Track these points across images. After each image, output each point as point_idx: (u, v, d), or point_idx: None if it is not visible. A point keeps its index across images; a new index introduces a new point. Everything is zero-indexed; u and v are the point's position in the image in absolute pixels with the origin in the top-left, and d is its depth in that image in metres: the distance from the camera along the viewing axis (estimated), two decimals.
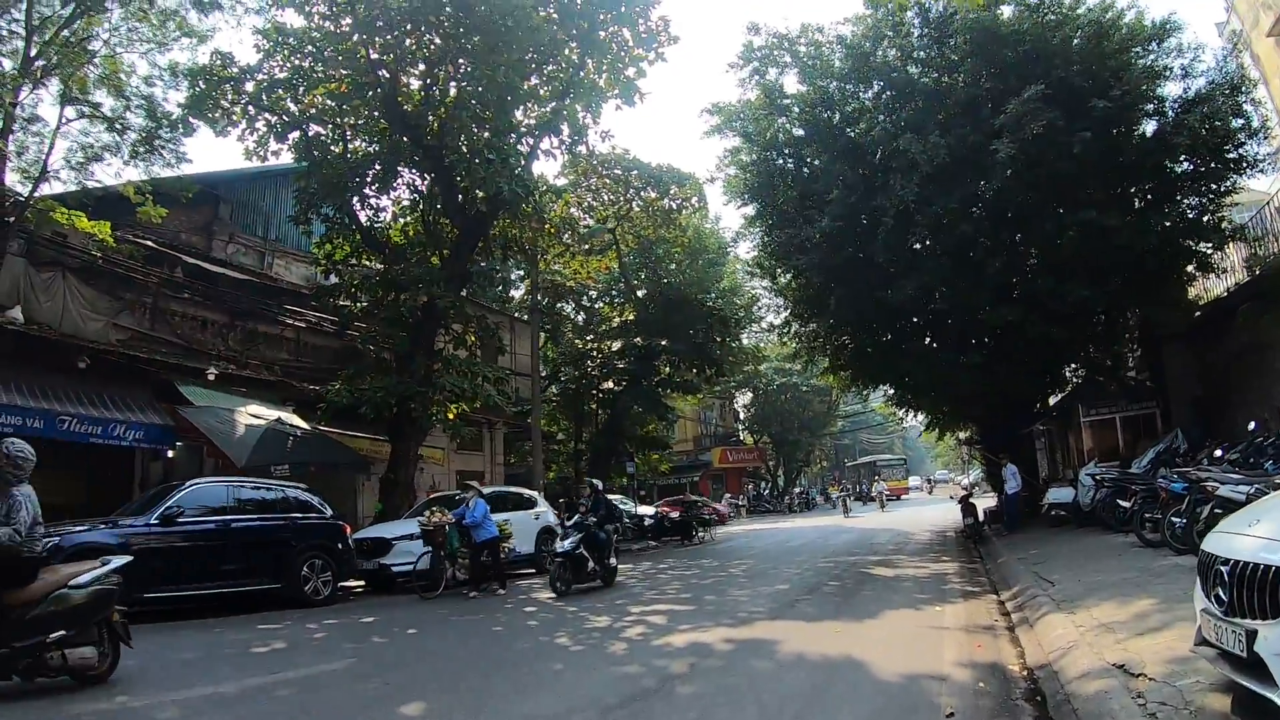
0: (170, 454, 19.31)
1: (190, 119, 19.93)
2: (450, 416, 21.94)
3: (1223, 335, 19.62)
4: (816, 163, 23.07)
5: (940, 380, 22.86)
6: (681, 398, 39.39)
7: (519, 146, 21.36)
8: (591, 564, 14.96)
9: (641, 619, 11.24)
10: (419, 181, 22.87)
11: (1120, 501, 15.43)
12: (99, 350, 17.71)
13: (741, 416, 67.42)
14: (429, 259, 22.26)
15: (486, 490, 20.33)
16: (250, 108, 20.80)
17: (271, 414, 19.98)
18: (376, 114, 21.43)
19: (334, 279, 22.52)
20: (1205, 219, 19.32)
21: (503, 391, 22.82)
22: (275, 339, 24.09)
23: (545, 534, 20.36)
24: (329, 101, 21.46)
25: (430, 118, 21.01)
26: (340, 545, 15.60)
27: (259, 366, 22.39)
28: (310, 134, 21.57)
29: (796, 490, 62.81)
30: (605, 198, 32.78)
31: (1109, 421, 22.76)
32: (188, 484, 13.81)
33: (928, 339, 23.58)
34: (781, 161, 24.34)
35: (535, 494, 22.34)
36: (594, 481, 18.12)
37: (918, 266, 20.47)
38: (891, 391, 29.89)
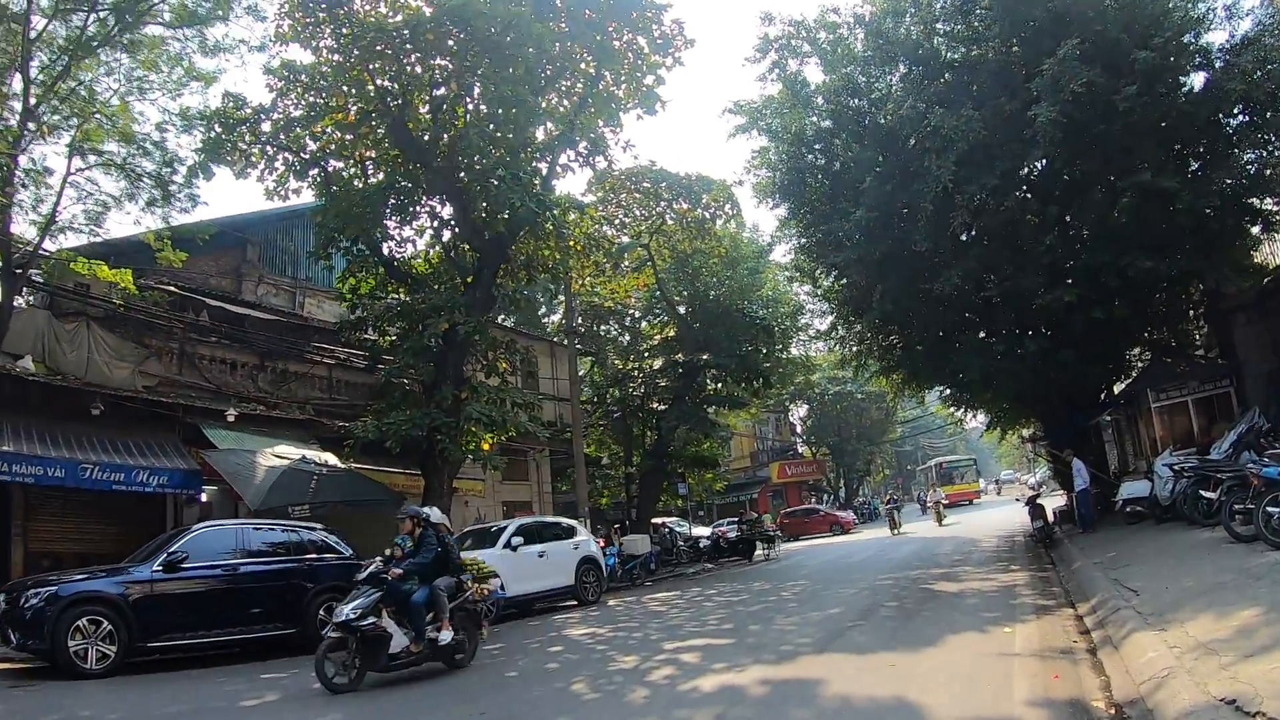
0: (204, 498, 19.13)
1: (209, 164, 19.89)
2: (485, 447, 21.01)
3: None
4: (847, 154, 21.85)
5: (996, 375, 21.44)
6: (730, 414, 38.15)
7: (537, 164, 20.72)
8: (405, 638, 9.86)
9: (674, 657, 10.18)
10: (440, 209, 22.15)
11: (1203, 492, 13.97)
12: (113, 396, 17.39)
13: (798, 429, 65.95)
14: (452, 286, 21.62)
15: (520, 521, 19.67)
16: (269, 148, 20.46)
17: (296, 453, 19.39)
18: (387, 143, 20.88)
19: (360, 313, 21.84)
20: (1269, 172, 17.68)
21: (535, 418, 21.85)
22: (307, 378, 23.65)
23: (586, 564, 19.59)
24: (343, 134, 21.02)
25: (442, 141, 20.31)
26: None
27: (289, 406, 21.95)
28: (330, 169, 21.24)
29: (858, 501, 61.08)
30: (637, 213, 31.83)
31: (1180, 405, 21.13)
32: (194, 529, 13.40)
33: (980, 332, 22.14)
34: (811, 157, 23.20)
35: (575, 523, 21.36)
36: (420, 510, 11.71)
37: (962, 253, 19.27)
38: (947, 392, 28.38)
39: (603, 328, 37.28)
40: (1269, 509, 10.59)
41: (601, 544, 25.12)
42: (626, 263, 32.99)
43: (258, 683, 10.65)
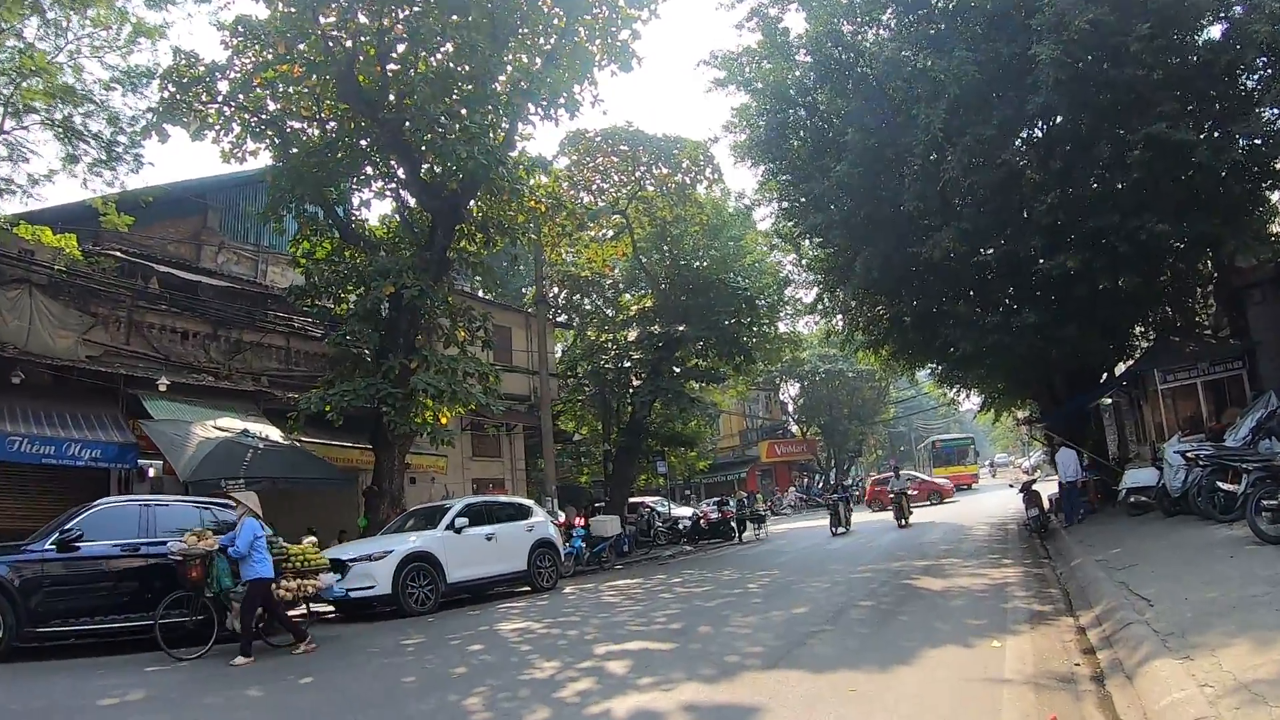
0: (152, 473, 18.30)
1: (164, 124, 18.80)
2: (443, 421, 19.60)
3: None
4: (831, 108, 20.20)
5: (990, 350, 19.70)
6: (713, 390, 36.45)
7: (496, 119, 19.15)
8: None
9: (600, 665, 8.63)
10: (397, 168, 20.62)
11: (1221, 484, 12.46)
12: (44, 365, 17.02)
13: (790, 408, 64.45)
14: (406, 249, 20.36)
15: (468, 500, 18.18)
16: (226, 107, 19.26)
17: (239, 425, 18.37)
18: (334, 96, 19.52)
19: (313, 279, 20.34)
20: None
21: (491, 390, 20.22)
22: (263, 348, 22.39)
23: (541, 548, 18.11)
24: (292, 89, 19.58)
25: (391, 95, 18.87)
26: None
27: (241, 376, 20.83)
28: (288, 130, 19.99)
29: (848, 483, 59.47)
30: (615, 178, 30.26)
31: (1188, 388, 19.62)
32: (94, 505, 12.23)
33: (972, 302, 20.39)
34: (792, 112, 21.47)
35: (531, 503, 19.84)
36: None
37: (954, 215, 17.63)
38: (939, 369, 26.67)
39: (583, 300, 35.67)
40: None
41: (580, 523, 24.35)
42: (605, 231, 31.34)
43: (137, 677, 9.47)
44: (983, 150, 16.44)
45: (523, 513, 18.65)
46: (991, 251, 17.72)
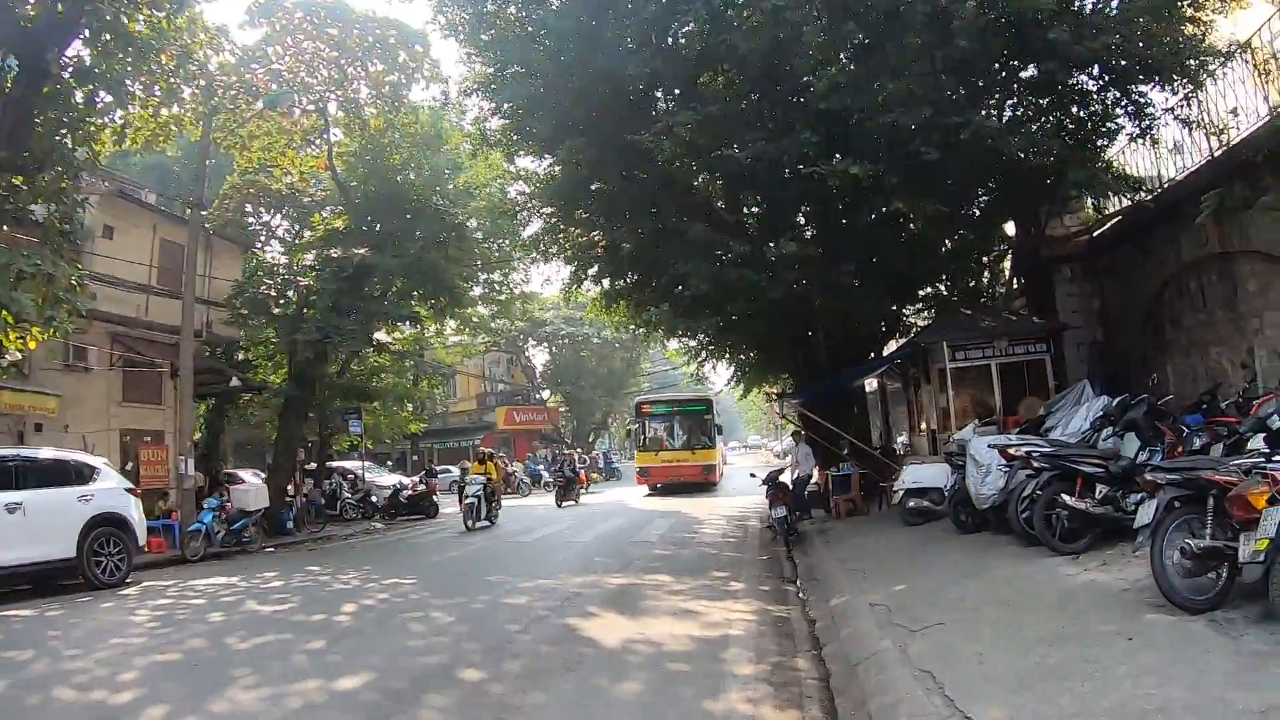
0: None
1: None
2: (32, 345, 13.84)
3: (1149, 256, 13.83)
4: None
5: (733, 290, 14.77)
6: (398, 329, 29.60)
7: None
8: None
9: None
10: None
11: (1066, 498, 7.92)
12: None
13: (539, 373, 59.30)
14: None
15: None
16: None
17: None
18: None
19: None
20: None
21: (66, 300, 13.31)
22: None
23: (102, 526, 13.07)
24: None
25: None
26: None
27: None
28: None
29: (593, 454, 54.99)
30: (324, 73, 23.43)
31: (981, 370, 15.61)
32: None
33: (717, 220, 15.32)
34: None
35: (96, 462, 14.09)
36: None
37: (694, 90, 12.65)
38: (662, 313, 20.63)
39: (276, 217, 28.83)
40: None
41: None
42: (296, 131, 24.49)
43: None
44: None
45: (78, 476, 13.31)
46: (741, 151, 12.54)
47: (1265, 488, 4.98)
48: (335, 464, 29.86)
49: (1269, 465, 5.21)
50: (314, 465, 28.01)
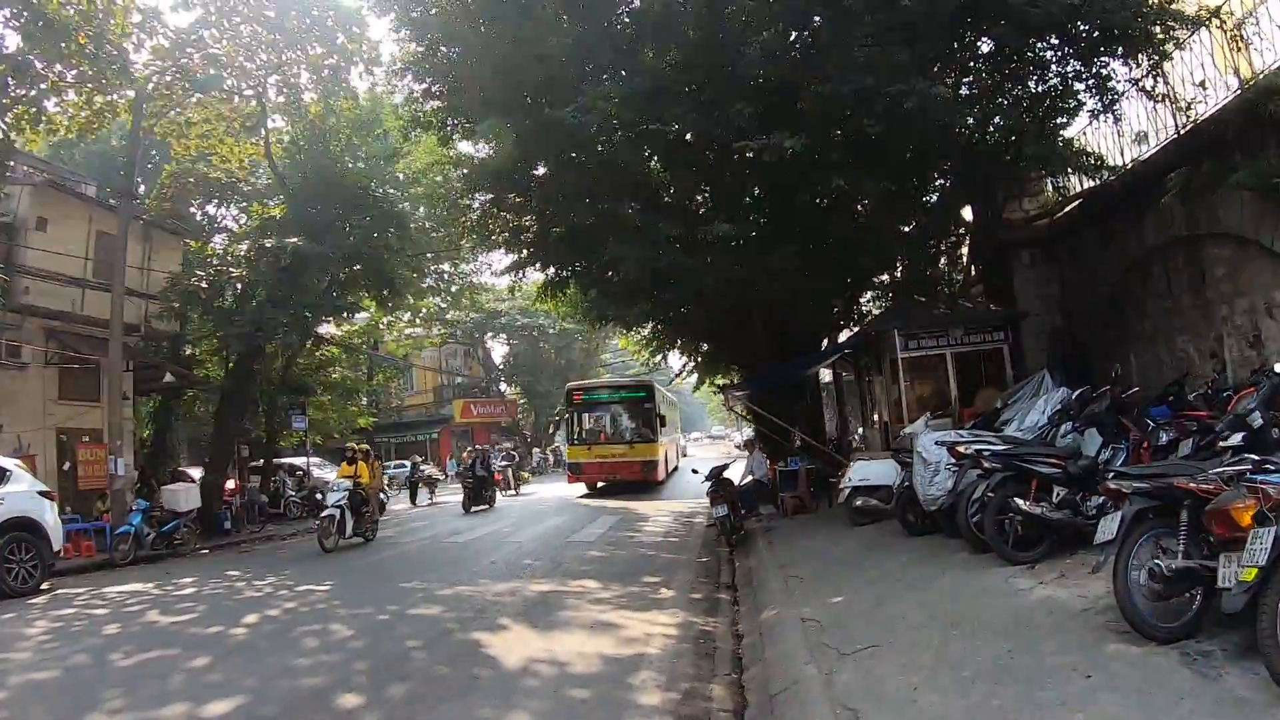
0: None
1: None
2: None
3: (1112, 240, 12.98)
4: None
5: (667, 275, 13.86)
6: (345, 321, 28.56)
7: None
8: None
9: None
10: None
11: (1020, 502, 7.11)
12: None
13: (499, 365, 58.07)
14: None
15: None
16: None
17: None
18: None
19: None
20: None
21: None
22: None
23: (10, 530, 12.32)
24: None
25: None
26: None
27: None
28: None
29: (550, 448, 53.96)
30: (263, 56, 22.12)
31: (935, 359, 14.79)
32: None
33: (650, 201, 14.35)
34: None
35: (9, 464, 13.26)
36: None
37: (624, 56, 11.73)
38: (590, 300, 19.24)
39: (216, 206, 27.61)
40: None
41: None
42: (230, 115, 23.31)
43: None
44: None
45: None
46: (677, 127, 11.65)
47: (1251, 502, 4.14)
48: (285, 460, 28.79)
49: (1259, 477, 4.36)
50: (260, 462, 27.03)
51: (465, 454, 28.15)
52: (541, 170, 14.92)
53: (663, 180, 14.91)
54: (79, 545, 16.29)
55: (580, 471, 27.63)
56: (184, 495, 17.99)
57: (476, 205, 17.81)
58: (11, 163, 16.87)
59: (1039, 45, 11.32)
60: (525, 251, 17.28)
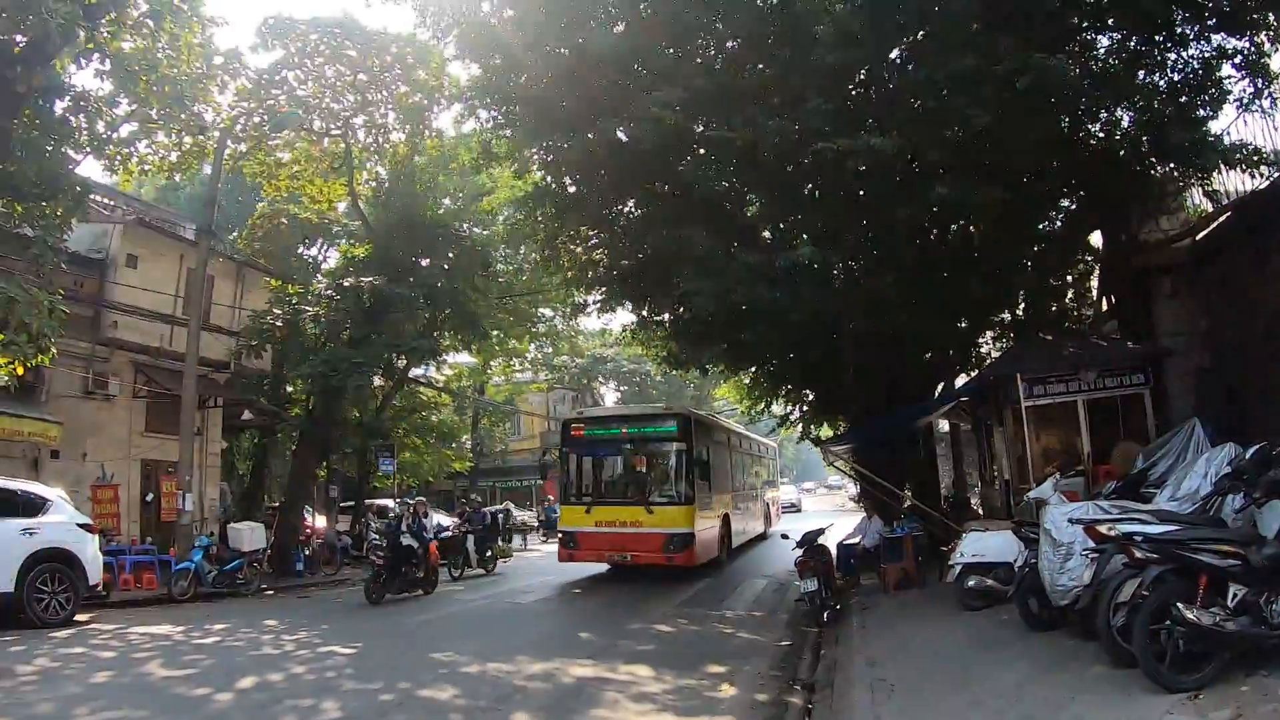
0: None
1: None
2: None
3: (1269, 262, 10.45)
4: None
5: (744, 309, 12.19)
6: (445, 366, 28.13)
7: None
8: None
9: None
10: None
11: (1184, 609, 5.08)
12: None
13: None
14: None
15: None
16: None
17: None
18: None
19: None
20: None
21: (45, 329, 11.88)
22: None
23: (45, 561, 12.34)
24: None
25: None
26: None
27: None
28: None
29: (541, 504, 53.35)
30: (350, 98, 21.93)
31: (1065, 407, 12.85)
32: None
33: (725, 224, 12.81)
34: None
35: (49, 493, 13.28)
36: None
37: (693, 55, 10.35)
38: (666, 336, 17.41)
39: (302, 245, 28.04)
40: None
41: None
42: (316, 154, 23.34)
43: None
44: None
45: (23, 507, 12.64)
46: (735, 131, 10.03)
47: None
48: (376, 501, 28.20)
49: None
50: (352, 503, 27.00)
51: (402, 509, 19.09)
52: (592, 192, 13.61)
53: (736, 200, 13.37)
54: (140, 577, 16.43)
55: (575, 545, 17.94)
56: (248, 534, 17.99)
57: (542, 233, 16.63)
58: (95, 195, 17.19)
59: (1174, 16, 9.40)
60: (598, 289, 16.04)
